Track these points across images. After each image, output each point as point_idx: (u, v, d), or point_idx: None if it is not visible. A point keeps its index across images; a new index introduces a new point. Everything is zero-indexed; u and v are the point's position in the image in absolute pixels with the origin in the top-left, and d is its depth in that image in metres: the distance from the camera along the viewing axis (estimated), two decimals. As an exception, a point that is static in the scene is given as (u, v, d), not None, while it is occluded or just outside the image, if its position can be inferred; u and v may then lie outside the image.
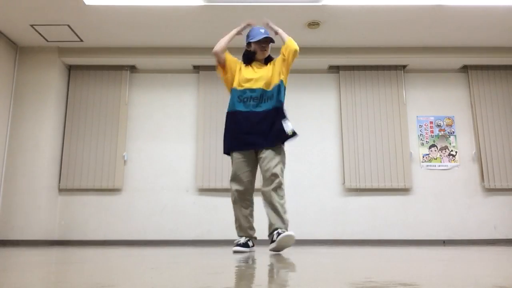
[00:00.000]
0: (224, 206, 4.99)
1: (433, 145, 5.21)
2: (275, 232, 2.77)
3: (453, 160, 5.17)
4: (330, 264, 1.79)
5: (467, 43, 5.04)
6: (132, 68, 5.39)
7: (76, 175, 5.05)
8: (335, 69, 5.40)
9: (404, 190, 5.07)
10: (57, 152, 5.03)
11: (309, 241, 4.93)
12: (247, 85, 2.98)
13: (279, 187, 2.83)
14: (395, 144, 5.15)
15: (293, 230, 4.99)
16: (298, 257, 2.31)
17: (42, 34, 4.76)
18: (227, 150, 3.02)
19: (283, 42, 3.11)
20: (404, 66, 5.37)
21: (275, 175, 2.82)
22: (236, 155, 2.96)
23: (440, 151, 5.19)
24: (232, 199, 3.00)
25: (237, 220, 3.00)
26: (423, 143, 5.22)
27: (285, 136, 2.89)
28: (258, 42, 3.06)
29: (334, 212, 5.02)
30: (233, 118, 2.98)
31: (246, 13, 4.36)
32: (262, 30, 3.08)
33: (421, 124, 5.27)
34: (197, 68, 5.37)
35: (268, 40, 3.08)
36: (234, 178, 2.96)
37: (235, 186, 2.96)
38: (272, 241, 2.79)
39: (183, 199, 5.04)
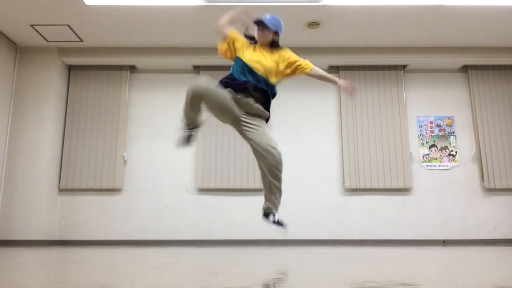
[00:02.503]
0: (224, 206, 4.99)
1: (433, 145, 5.21)
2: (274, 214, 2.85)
3: (453, 160, 5.16)
4: (330, 264, 1.79)
5: (467, 43, 5.04)
6: (132, 68, 5.38)
7: (76, 175, 5.05)
8: (335, 69, 5.40)
9: (404, 190, 5.07)
10: (57, 152, 5.03)
11: (309, 241, 4.92)
12: (253, 65, 2.83)
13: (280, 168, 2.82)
14: (395, 144, 5.14)
15: (294, 230, 5.00)
16: (298, 257, 2.31)
17: (42, 34, 4.76)
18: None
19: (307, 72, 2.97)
20: (404, 66, 5.37)
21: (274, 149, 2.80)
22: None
23: (440, 151, 5.19)
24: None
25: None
26: (423, 143, 5.22)
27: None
28: (256, 24, 2.91)
29: (334, 212, 5.02)
30: (232, 78, 2.83)
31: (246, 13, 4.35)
32: (268, 16, 2.93)
33: (421, 124, 5.27)
34: (197, 68, 5.37)
35: (260, 24, 2.88)
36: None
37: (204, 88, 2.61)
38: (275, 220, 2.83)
39: (183, 199, 5.04)
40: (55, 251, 3.05)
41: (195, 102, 2.67)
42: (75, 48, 5.12)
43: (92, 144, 5.12)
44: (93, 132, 5.16)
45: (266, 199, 2.95)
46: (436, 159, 5.17)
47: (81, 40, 4.93)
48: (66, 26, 4.61)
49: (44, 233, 4.70)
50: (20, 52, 5.07)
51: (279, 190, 2.89)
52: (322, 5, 4.23)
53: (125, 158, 5.14)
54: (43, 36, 4.82)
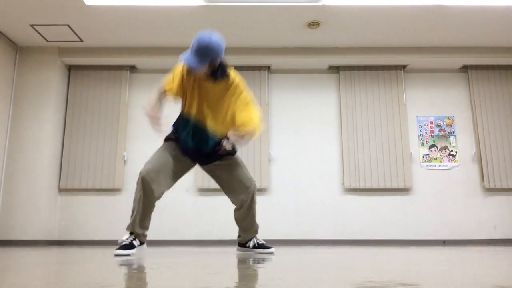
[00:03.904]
0: (224, 206, 4.99)
1: (433, 145, 5.21)
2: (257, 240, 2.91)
3: (453, 160, 5.16)
4: (330, 264, 1.79)
5: (467, 43, 5.04)
6: (132, 68, 5.38)
7: (76, 175, 5.05)
8: (335, 69, 5.40)
9: (404, 190, 5.07)
10: (57, 152, 5.03)
11: (309, 241, 4.92)
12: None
13: None
14: (395, 144, 5.14)
15: (293, 230, 5.00)
16: (298, 257, 2.31)
17: (42, 34, 4.76)
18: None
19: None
20: (404, 66, 5.37)
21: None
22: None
23: (440, 151, 5.19)
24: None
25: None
26: (423, 143, 5.22)
27: None
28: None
29: (334, 212, 5.02)
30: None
31: (246, 13, 4.36)
32: (195, 58, 2.33)
33: (421, 124, 5.27)
34: (197, 68, 5.36)
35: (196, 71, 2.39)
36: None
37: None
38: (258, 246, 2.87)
39: (183, 199, 5.04)
40: (55, 251, 3.05)
41: (148, 189, 2.65)
42: (75, 48, 5.12)
43: (92, 144, 5.12)
44: (93, 132, 5.16)
45: (247, 230, 2.85)
46: (436, 159, 5.17)
47: (81, 40, 4.93)
48: (66, 26, 4.61)
49: (44, 233, 4.70)
50: (20, 52, 5.07)
51: (256, 213, 2.87)
52: (322, 5, 4.23)
53: (125, 158, 5.14)
54: (43, 36, 4.82)
